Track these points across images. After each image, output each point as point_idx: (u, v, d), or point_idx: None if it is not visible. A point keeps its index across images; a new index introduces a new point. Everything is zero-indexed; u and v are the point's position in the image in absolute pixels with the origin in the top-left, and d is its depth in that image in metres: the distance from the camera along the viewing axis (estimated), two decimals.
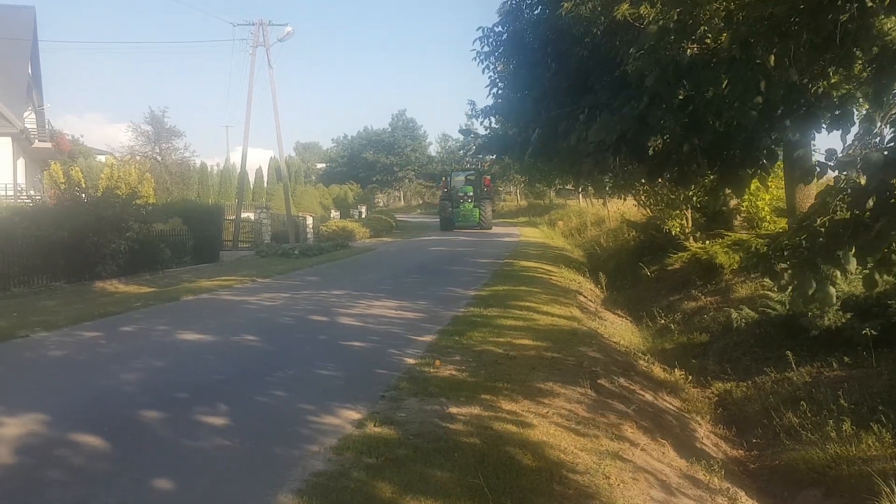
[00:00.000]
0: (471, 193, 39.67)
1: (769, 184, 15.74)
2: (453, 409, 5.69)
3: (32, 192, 30.85)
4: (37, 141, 34.00)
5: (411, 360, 7.49)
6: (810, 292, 4.76)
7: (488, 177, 43.55)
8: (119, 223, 17.82)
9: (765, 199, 16.42)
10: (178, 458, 4.72)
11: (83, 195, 19.18)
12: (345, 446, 4.81)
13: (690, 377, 9.65)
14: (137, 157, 45.84)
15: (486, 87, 14.78)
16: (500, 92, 14.87)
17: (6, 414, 5.63)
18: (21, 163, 32.12)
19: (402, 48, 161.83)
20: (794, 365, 8.59)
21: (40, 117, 35.53)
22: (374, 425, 5.25)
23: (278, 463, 4.60)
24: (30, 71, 35.42)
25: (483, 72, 14.17)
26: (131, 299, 13.50)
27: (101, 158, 41.29)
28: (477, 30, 13.72)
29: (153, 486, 4.27)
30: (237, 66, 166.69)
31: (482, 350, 7.95)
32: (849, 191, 4.50)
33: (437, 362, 7.27)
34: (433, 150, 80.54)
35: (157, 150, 53.70)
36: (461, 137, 59.32)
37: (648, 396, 8.02)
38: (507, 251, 24.19)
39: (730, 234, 15.25)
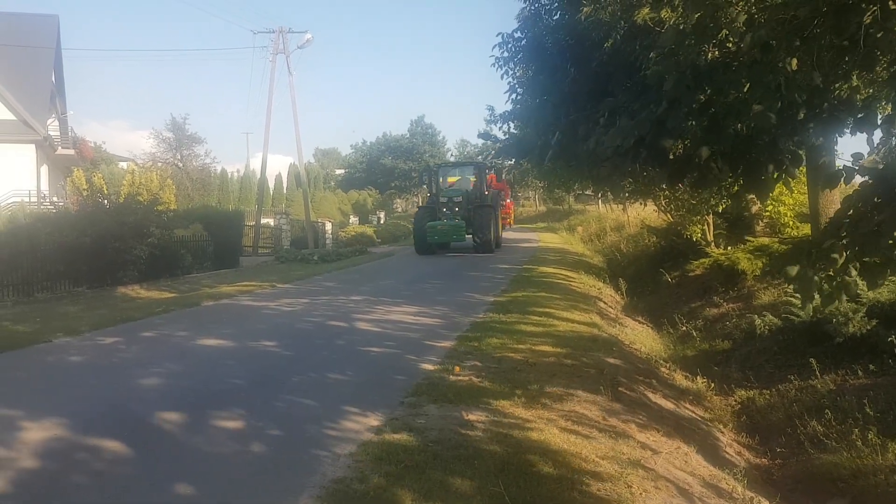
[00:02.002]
0: (459, 199, 25.98)
1: (792, 188, 15.61)
2: (472, 416, 5.65)
3: (56, 199, 31.28)
4: (60, 148, 34.44)
5: (430, 367, 7.46)
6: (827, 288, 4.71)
7: (494, 173, 31.72)
8: (141, 229, 17.99)
9: (787, 203, 16.26)
10: (197, 463, 4.72)
11: (105, 201, 19.43)
12: (364, 452, 4.79)
13: (713, 384, 9.55)
14: (159, 164, 46.39)
15: (505, 92, 14.81)
16: (518, 97, 14.87)
17: (29, 419, 5.68)
18: (44, 169, 32.54)
19: (421, 54, 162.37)
20: (818, 372, 8.47)
21: (63, 124, 35.98)
22: (393, 432, 5.23)
23: (298, 468, 4.59)
24: (53, 79, 35.92)
25: (502, 77, 14.20)
26: (152, 305, 13.60)
27: (123, 165, 41.71)
28: (496, 35, 13.73)
29: (173, 490, 4.28)
30: (257, 74, 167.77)
31: (501, 356, 7.91)
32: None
33: (457, 368, 7.24)
34: (452, 155, 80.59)
35: (179, 157, 54.17)
36: (480, 143, 58.99)
37: (670, 404, 7.93)
38: (526, 257, 24.11)
39: (752, 239, 15.09)
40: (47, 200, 30.31)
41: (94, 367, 8.05)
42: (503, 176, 34.98)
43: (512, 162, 32.54)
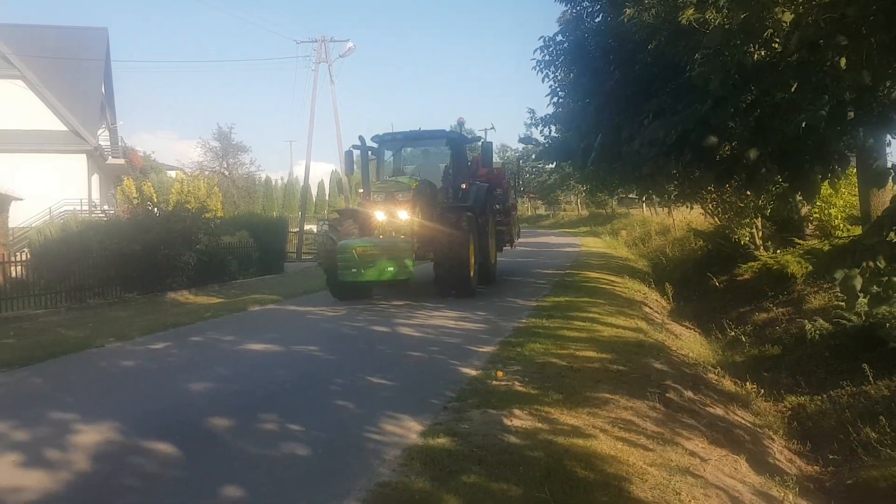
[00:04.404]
0: (408, 194, 13.88)
1: (842, 191, 15.24)
2: (517, 422, 5.62)
3: (106, 207, 32.16)
4: (110, 157, 35.43)
5: (473, 372, 7.44)
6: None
7: (482, 154, 16.65)
8: (189, 236, 18.37)
9: (837, 206, 15.87)
10: (245, 466, 4.79)
11: (155, 209, 19.91)
12: (409, 457, 4.80)
13: (762, 391, 9.35)
14: (206, 172, 47.38)
15: (546, 95, 14.80)
16: (560, 100, 14.85)
17: (83, 422, 5.82)
18: (96, 178, 33.48)
19: (461, 59, 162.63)
20: (871, 378, 8.24)
21: (113, 135, 37.02)
22: (438, 436, 5.23)
23: (343, 472, 4.62)
24: (103, 90, 36.97)
25: (543, 80, 14.19)
26: (200, 310, 13.86)
27: (172, 174, 42.69)
28: (538, 39, 13.71)
29: (223, 492, 4.35)
30: (301, 82, 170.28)
31: (545, 362, 7.85)
32: None
33: (500, 374, 7.21)
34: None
35: (225, 165, 55.29)
36: (520, 147, 58.51)
37: (719, 410, 7.79)
38: (568, 261, 23.94)
39: (802, 242, 14.76)
40: (98, 209, 31.22)
41: (144, 371, 8.23)
42: (496, 158, 23.48)
43: (553, 165, 31.66)
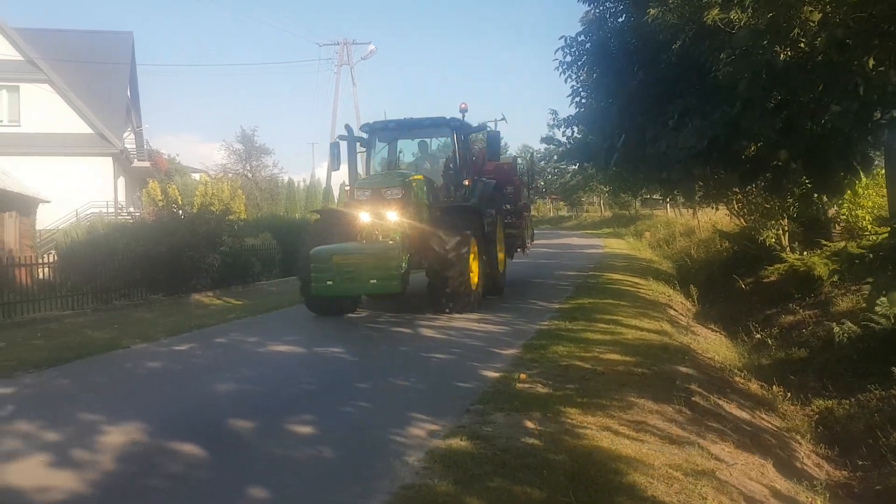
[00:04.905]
0: (398, 192, 12.01)
1: (870, 191, 15.01)
2: (540, 425, 5.59)
3: (132, 209, 32.54)
4: (136, 160, 35.82)
5: (495, 374, 7.42)
6: None
7: (488, 148, 14.48)
8: (213, 238, 18.51)
9: (865, 206, 15.63)
10: (270, 467, 4.81)
11: (180, 212, 20.09)
12: (431, 459, 4.79)
13: (789, 394, 9.23)
14: (230, 175, 47.74)
15: (568, 96, 14.70)
16: (583, 101, 14.75)
17: (109, 423, 5.88)
18: (121, 181, 33.87)
19: (482, 60, 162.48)
20: None
21: (139, 138, 37.43)
22: (460, 439, 5.21)
23: (367, 474, 4.62)
24: (128, 93, 37.38)
25: (565, 81, 14.11)
26: (224, 311, 13.97)
27: (196, 176, 43.08)
28: (559, 39, 13.62)
29: (248, 493, 4.37)
30: (322, 85, 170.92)
31: (568, 365, 7.80)
32: None
33: (523, 376, 7.17)
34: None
35: (248, 168, 55.71)
36: (542, 148, 58.26)
37: (745, 414, 7.70)
38: (591, 263, 23.79)
39: (829, 244, 14.56)
40: (124, 211, 31.60)
41: (169, 372, 8.31)
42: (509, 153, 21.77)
43: (576, 167, 31.24)
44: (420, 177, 12.56)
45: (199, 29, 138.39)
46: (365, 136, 14.08)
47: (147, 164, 36.73)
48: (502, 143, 18.74)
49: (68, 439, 5.50)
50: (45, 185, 27.04)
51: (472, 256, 11.78)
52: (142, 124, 39.79)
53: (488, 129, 14.14)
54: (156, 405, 6.62)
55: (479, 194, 13.54)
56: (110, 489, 4.54)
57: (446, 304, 11.67)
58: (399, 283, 10.88)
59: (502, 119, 21.54)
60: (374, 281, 10.84)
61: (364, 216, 11.72)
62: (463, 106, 13.59)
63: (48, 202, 26.38)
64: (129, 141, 35.25)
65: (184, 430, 5.61)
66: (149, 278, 16.86)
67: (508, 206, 16.19)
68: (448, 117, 13.42)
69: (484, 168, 15.47)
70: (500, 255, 14.50)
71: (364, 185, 12.56)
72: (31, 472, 4.82)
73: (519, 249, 17.16)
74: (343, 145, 13.57)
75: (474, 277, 11.97)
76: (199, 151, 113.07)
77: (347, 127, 13.59)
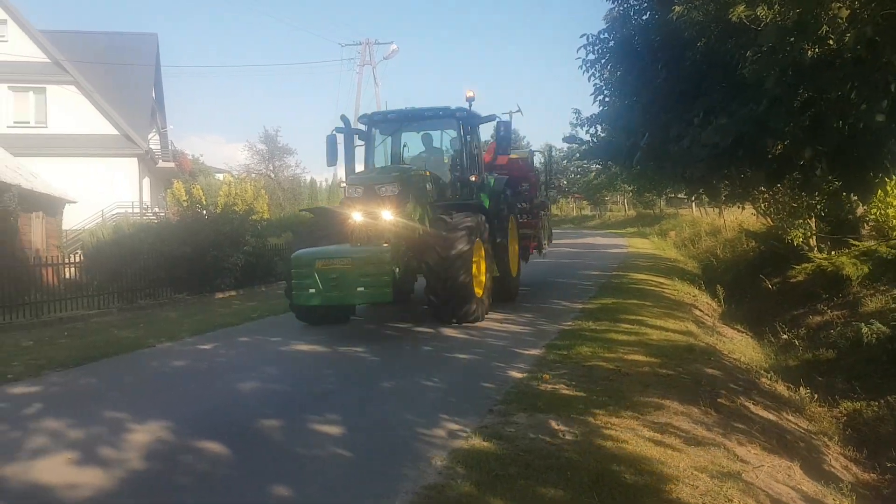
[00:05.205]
0: (394, 188, 10.72)
1: (888, 189, 14.75)
2: (563, 426, 5.55)
3: (157, 210, 32.88)
4: (160, 161, 36.18)
5: (518, 374, 7.38)
6: None
7: (496, 140, 12.79)
8: (237, 238, 18.66)
9: (895, 206, 15.36)
10: (293, 465, 4.82)
11: (204, 212, 20.25)
12: (454, 459, 4.77)
13: (816, 396, 9.10)
14: (253, 175, 48.09)
15: (591, 94, 14.61)
16: (606, 99, 14.65)
17: (135, 421, 5.93)
18: (146, 182, 34.23)
19: (503, 58, 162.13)
20: None
21: (163, 139, 37.78)
22: (483, 439, 5.19)
23: (389, 473, 4.61)
24: (153, 95, 37.77)
25: (588, 79, 14.03)
26: (248, 311, 14.05)
27: (220, 177, 43.43)
28: (581, 37, 13.53)
29: (272, 491, 4.38)
30: (345, 85, 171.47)
31: (592, 365, 7.74)
32: None
33: (546, 377, 7.13)
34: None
35: (271, 168, 56.12)
36: (565, 147, 57.91)
37: (772, 416, 7.59)
38: (615, 263, 23.61)
39: (857, 243, 14.33)
40: (149, 211, 31.93)
41: (194, 371, 8.37)
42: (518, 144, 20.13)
43: (599, 165, 30.86)
44: (427, 172, 11.64)
45: (223, 30, 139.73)
46: (363, 128, 12.92)
47: (172, 164, 37.10)
48: (523, 141, 18.36)
49: (95, 437, 5.55)
50: (72, 186, 27.42)
51: (478, 259, 10.78)
52: (166, 125, 40.18)
53: (498, 118, 12.73)
54: (180, 404, 6.67)
55: (488, 191, 12.61)
56: (136, 486, 4.57)
57: (447, 315, 10.57)
58: (390, 292, 9.53)
59: (517, 111, 19.72)
60: (362, 289, 9.52)
61: (356, 215, 10.40)
62: (469, 94, 12.19)
63: (74, 202, 26.75)
64: (153, 142, 35.63)
65: (208, 429, 5.65)
66: (173, 278, 17.02)
67: (524, 205, 15.16)
68: (453, 107, 12.29)
69: (495, 162, 14.05)
70: (514, 258, 13.42)
71: (357, 181, 11.27)
72: (58, 469, 4.87)
73: (535, 251, 15.93)
74: (340, 138, 12.56)
75: (480, 283, 10.91)
76: (224, 152, 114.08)
77: (344, 118, 12.50)
